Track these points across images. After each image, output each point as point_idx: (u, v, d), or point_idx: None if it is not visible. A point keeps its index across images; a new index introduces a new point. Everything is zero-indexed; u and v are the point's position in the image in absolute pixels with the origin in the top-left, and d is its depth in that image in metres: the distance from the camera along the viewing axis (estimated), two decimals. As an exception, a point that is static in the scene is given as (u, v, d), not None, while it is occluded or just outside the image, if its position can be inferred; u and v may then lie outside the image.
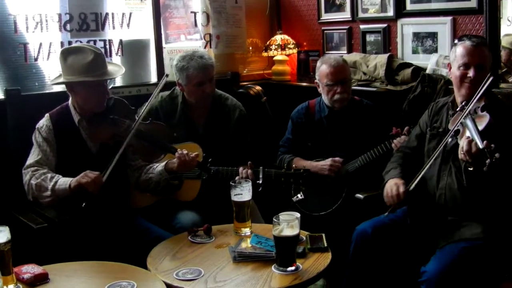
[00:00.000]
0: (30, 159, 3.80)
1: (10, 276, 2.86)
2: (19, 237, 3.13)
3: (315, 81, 4.64)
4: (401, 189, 3.59)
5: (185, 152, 3.79)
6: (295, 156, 4.65)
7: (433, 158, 3.54)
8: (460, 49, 3.57)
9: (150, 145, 3.86)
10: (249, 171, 4.05)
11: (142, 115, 3.80)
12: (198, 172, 4.00)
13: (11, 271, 2.87)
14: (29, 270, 3.00)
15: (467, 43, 3.55)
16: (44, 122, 3.87)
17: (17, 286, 2.89)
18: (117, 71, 3.92)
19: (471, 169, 3.17)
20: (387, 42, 5.34)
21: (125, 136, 3.76)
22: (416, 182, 3.54)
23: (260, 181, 3.99)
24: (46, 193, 3.65)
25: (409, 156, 3.91)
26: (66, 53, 3.78)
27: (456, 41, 3.67)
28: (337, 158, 4.43)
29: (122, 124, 3.83)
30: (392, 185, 3.64)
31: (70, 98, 3.89)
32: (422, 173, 3.53)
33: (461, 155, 3.20)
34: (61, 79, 3.81)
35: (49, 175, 3.69)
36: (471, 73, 3.50)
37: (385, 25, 5.33)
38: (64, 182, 3.63)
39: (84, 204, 3.52)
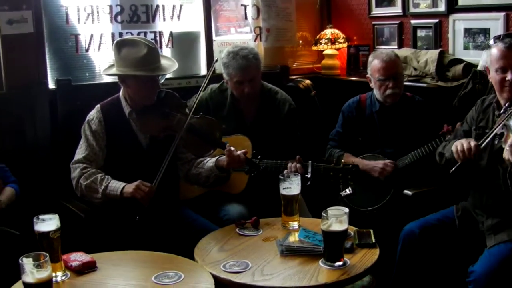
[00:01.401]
0: (78, 154, 3.82)
1: (58, 263, 2.89)
2: (68, 226, 3.16)
3: (367, 75, 4.59)
4: (473, 143, 3.45)
5: (232, 149, 3.77)
6: (345, 152, 4.60)
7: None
8: (494, 52, 3.50)
9: (200, 139, 3.85)
10: (298, 165, 4.02)
11: (193, 109, 3.80)
12: (247, 168, 3.99)
13: (59, 259, 2.91)
14: (77, 258, 3.02)
15: (500, 45, 3.48)
16: (94, 114, 3.88)
17: (65, 273, 2.93)
18: (170, 65, 3.90)
19: None
20: (438, 37, 5.25)
21: (176, 129, 3.77)
22: (487, 140, 3.43)
23: (309, 175, 3.95)
24: (97, 195, 3.69)
25: None
26: (120, 45, 3.78)
27: (491, 41, 3.59)
28: (389, 162, 4.38)
29: (173, 117, 3.83)
30: (463, 141, 3.50)
31: (121, 90, 3.90)
32: (492, 134, 3.41)
33: (504, 156, 3.14)
34: (114, 70, 3.81)
35: (98, 177, 3.71)
36: (509, 76, 3.42)
37: (436, 20, 5.24)
38: (114, 188, 3.65)
39: (137, 218, 3.56)
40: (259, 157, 3.90)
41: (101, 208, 3.79)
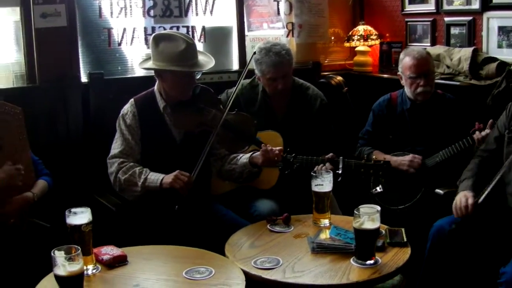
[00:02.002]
0: (114, 149, 3.82)
1: (89, 256, 2.90)
2: (99, 219, 3.17)
3: (398, 73, 4.57)
4: (470, 201, 3.54)
5: (269, 147, 3.76)
6: (375, 149, 4.58)
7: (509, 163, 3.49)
8: None
9: (235, 136, 3.86)
10: (327, 164, 3.98)
11: (229, 105, 3.80)
12: (281, 166, 3.96)
13: (91, 252, 2.92)
14: (108, 251, 3.03)
15: None
16: (128, 108, 3.88)
17: (96, 266, 2.94)
18: (207, 62, 3.88)
19: None
20: (472, 35, 5.19)
21: (211, 125, 3.77)
22: (485, 195, 3.50)
23: (340, 171, 3.92)
24: (136, 188, 3.69)
25: (488, 161, 3.83)
26: (158, 39, 3.78)
27: None
28: (415, 155, 4.35)
29: (208, 113, 3.83)
30: (462, 197, 3.60)
31: (157, 84, 3.90)
32: (491, 186, 3.48)
33: None
34: (150, 64, 3.80)
35: (137, 170, 3.72)
36: None
37: (470, 18, 5.18)
38: (153, 180, 3.65)
39: (177, 207, 3.55)
40: (293, 154, 3.87)
41: (134, 202, 3.80)
